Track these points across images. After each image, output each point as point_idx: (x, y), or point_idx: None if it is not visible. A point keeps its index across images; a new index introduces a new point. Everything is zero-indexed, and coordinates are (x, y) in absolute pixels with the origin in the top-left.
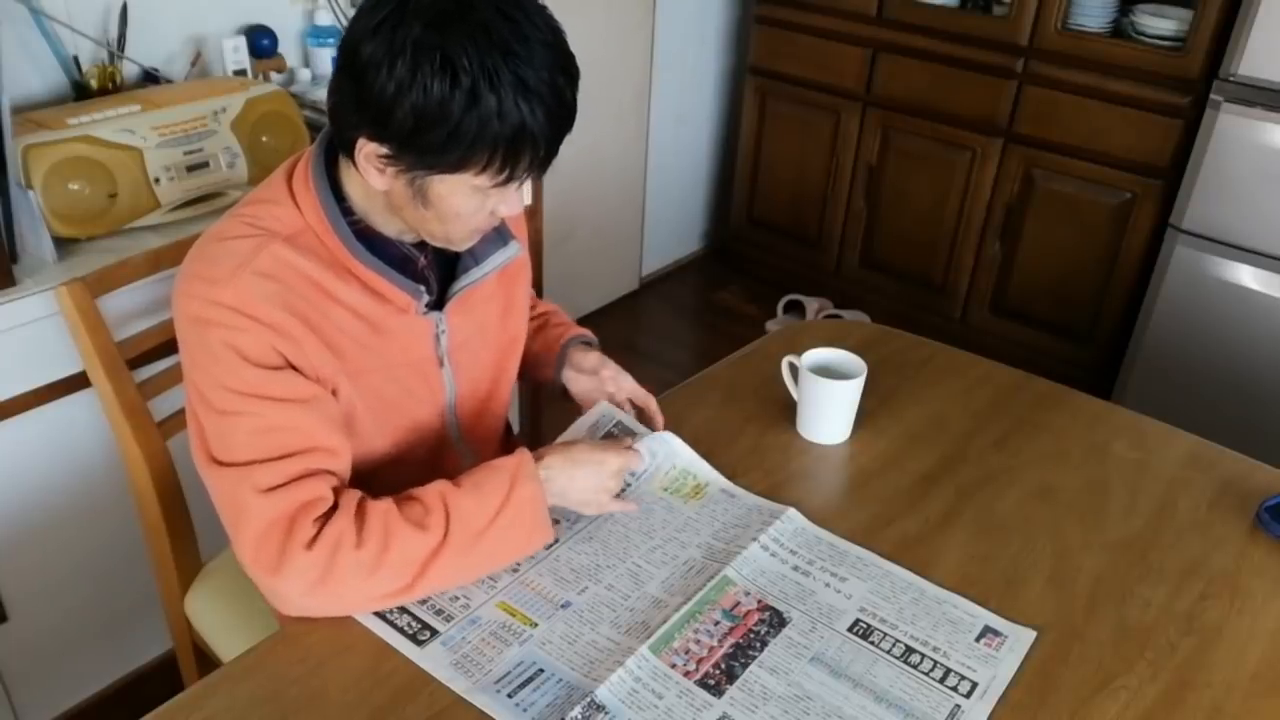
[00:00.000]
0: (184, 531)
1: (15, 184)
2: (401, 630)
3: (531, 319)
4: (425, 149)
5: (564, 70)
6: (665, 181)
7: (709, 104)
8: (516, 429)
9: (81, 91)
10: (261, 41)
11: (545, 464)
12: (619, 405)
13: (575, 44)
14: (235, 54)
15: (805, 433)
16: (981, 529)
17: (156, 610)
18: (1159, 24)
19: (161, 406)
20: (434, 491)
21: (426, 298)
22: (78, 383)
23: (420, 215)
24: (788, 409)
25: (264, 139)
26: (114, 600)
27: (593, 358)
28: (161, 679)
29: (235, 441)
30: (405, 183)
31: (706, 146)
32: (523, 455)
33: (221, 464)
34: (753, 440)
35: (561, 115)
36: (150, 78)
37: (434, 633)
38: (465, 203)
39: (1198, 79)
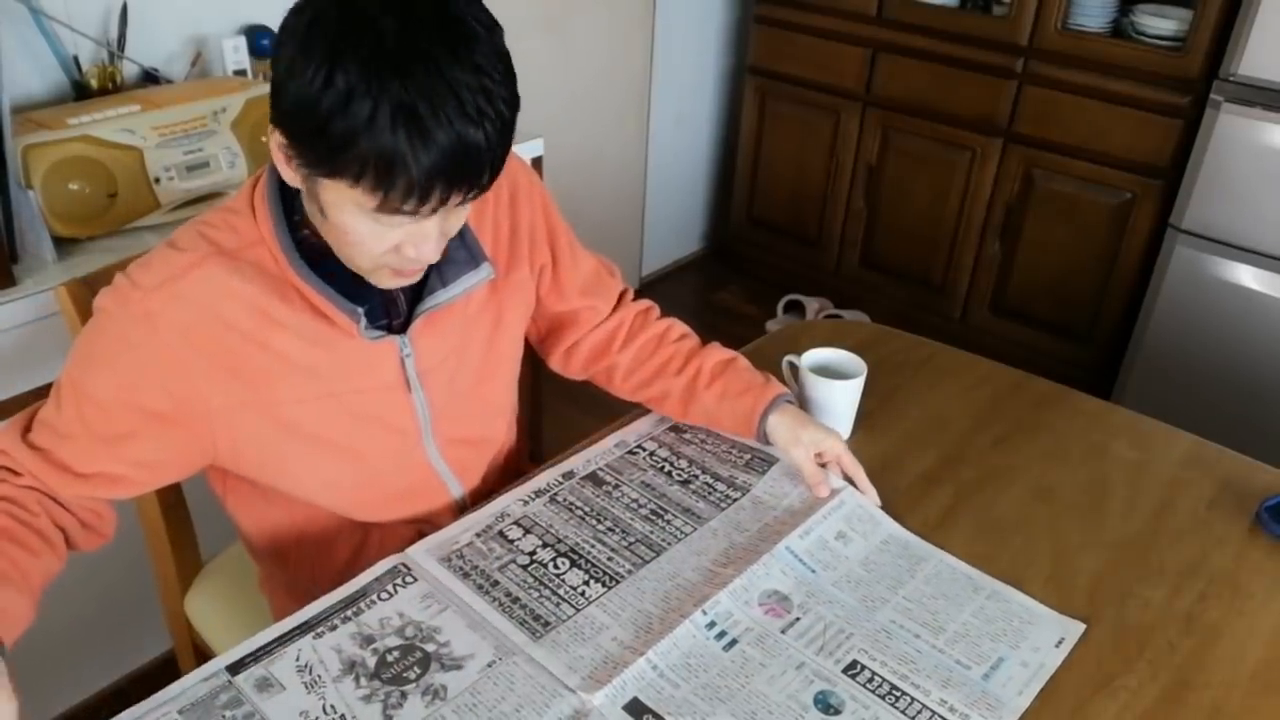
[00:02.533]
0: (184, 531)
1: (15, 184)
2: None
3: (671, 355)
4: (301, 141)
5: (481, 118)
6: (665, 181)
7: (709, 104)
8: (514, 435)
9: (81, 91)
10: (261, 41)
11: None
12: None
13: (576, 44)
14: (235, 54)
15: None
16: (981, 529)
17: (156, 610)
18: (1159, 24)
19: None
20: None
21: (364, 320)
22: None
23: (324, 226)
24: None
25: (264, 139)
26: (114, 600)
27: (791, 427)
28: (161, 679)
29: (44, 430)
30: (302, 179)
31: (706, 146)
32: None
33: (26, 444)
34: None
35: (463, 166)
36: (150, 78)
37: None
38: (355, 222)
39: (1198, 79)
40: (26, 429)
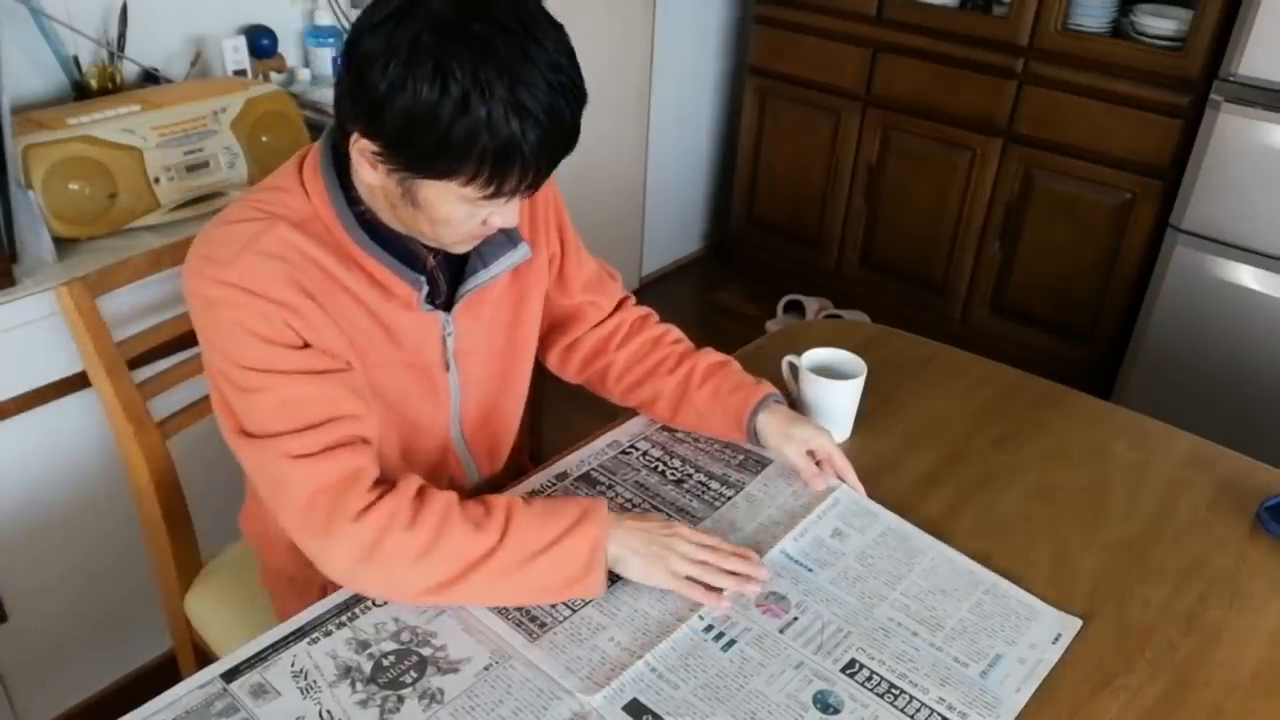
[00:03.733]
0: (184, 531)
1: (15, 184)
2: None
3: (665, 355)
4: (413, 153)
5: (566, 92)
6: (665, 181)
7: (709, 104)
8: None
9: (81, 91)
10: (261, 41)
11: (618, 520)
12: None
13: (576, 45)
14: (235, 54)
15: None
16: (981, 529)
17: (156, 610)
18: (1159, 24)
19: (161, 406)
20: (502, 500)
21: (426, 289)
22: (78, 383)
23: (410, 214)
24: None
25: (264, 139)
26: (114, 600)
27: (782, 425)
28: (161, 679)
29: (261, 415)
30: (395, 181)
31: (706, 146)
32: (599, 500)
33: (251, 436)
34: None
35: (557, 138)
36: (150, 78)
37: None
38: (454, 210)
39: (1198, 79)
40: (277, 449)
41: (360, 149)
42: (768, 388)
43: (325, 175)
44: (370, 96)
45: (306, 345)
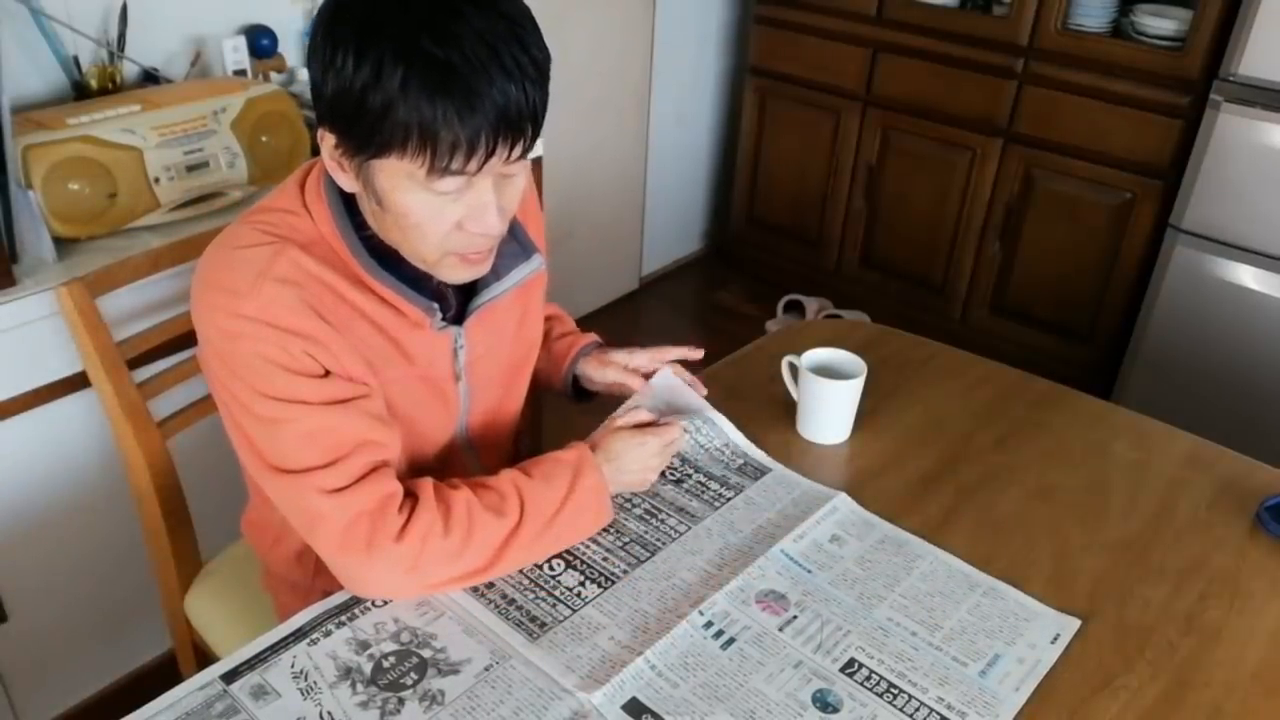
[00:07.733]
0: (184, 531)
1: (15, 184)
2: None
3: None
4: (346, 128)
5: (512, 65)
6: (665, 181)
7: (709, 104)
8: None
9: (81, 91)
10: (261, 41)
11: (600, 454)
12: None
13: (576, 44)
14: (235, 54)
15: (805, 433)
16: (981, 529)
17: (156, 610)
18: (1159, 24)
19: (161, 406)
20: (507, 480)
21: (439, 314)
22: (78, 383)
23: (385, 224)
24: (788, 409)
25: (264, 139)
26: (114, 600)
27: (600, 355)
28: (161, 679)
29: (288, 448)
30: (360, 177)
31: (706, 147)
32: (583, 448)
33: (281, 471)
34: (752, 440)
35: (498, 110)
36: (150, 78)
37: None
38: (412, 200)
39: (1198, 79)
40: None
41: (328, 150)
42: (593, 336)
43: (329, 200)
44: (315, 81)
45: (327, 374)
